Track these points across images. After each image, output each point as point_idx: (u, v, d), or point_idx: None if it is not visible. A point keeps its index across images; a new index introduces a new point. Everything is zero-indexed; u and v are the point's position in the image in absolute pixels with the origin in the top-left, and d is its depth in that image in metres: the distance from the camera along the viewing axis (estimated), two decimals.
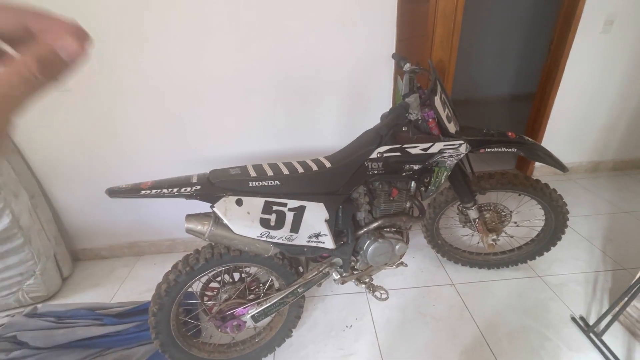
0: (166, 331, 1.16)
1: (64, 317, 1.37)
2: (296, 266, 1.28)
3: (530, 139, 1.33)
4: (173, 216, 1.94)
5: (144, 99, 1.60)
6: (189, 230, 1.01)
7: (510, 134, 1.30)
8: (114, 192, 0.95)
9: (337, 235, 1.19)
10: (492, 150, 1.27)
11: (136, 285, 1.83)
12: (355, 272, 1.34)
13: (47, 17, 0.21)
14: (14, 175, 1.62)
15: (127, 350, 1.31)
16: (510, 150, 1.29)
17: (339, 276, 1.29)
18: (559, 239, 1.57)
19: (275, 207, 1.04)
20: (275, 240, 1.07)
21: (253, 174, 1.05)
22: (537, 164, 2.61)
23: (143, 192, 0.96)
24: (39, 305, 1.57)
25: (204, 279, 1.22)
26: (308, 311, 1.58)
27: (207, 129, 1.71)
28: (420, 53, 2.30)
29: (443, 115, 1.17)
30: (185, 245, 2.06)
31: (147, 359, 1.31)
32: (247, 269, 1.30)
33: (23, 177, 1.68)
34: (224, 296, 1.22)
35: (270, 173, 1.06)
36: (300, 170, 1.08)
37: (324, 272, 1.24)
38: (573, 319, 1.45)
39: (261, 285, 1.31)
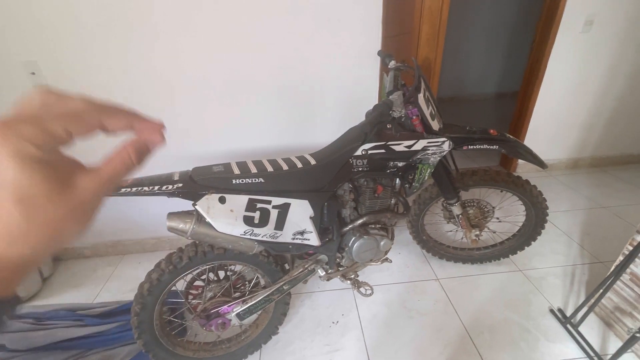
0: (150, 331, 1.14)
1: (43, 319, 1.33)
2: (281, 263, 1.28)
3: (511, 137, 1.35)
4: (158, 214, 1.91)
5: (125, 93, 1.56)
6: (171, 229, 0.99)
7: (492, 131, 1.33)
8: None
9: (322, 232, 1.19)
10: (475, 147, 1.30)
11: (120, 284, 1.79)
12: (340, 269, 1.35)
13: (145, 120, 0.28)
14: None
15: (110, 351, 1.29)
16: (492, 147, 1.31)
17: (324, 273, 1.30)
18: (539, 233, 1.61)
19: (259, 205, 1.03)
20: (259, 238, 1.06)
21: (237, 171, 1.04)
22: (520, 160, 2.67)
23: (123, 190, 0.94)
24: (21, 308, 1.53)
25: (188, 278, 1.21)
26: (295, 308, 1.58)
27: (191, 126, 1.68)
28: (406, 50, 2.31)
29: (427, 112, 1.18)
30: (171, 244, 2.03)
31: (131, 359, 1.29)
32: (232, 267, 1.29)
33: None
34: (209, 294, 1.21)
35: (254, 170, 1.05)
36: (285, 167, 1.08)
37: (309, 269, 1.25)
38: (551, 311, 1.50)
39: (247, 283, 1.30)
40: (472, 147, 1.29)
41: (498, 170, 1.48)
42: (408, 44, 2.28)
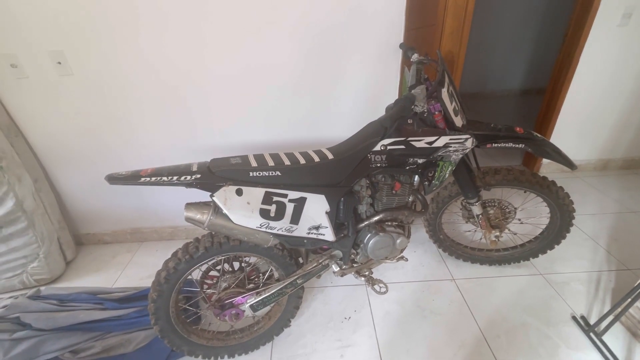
0: (165, 317, 1.17)
1: (66, 300, 1.39)
2: (296, 257, 1.28)
3: (538, 135, 1.29)
4: (175, 203, 1.95)
5: (150, 84, 1.58)
6: (188, 219, 1.00)
7: (518, 129, 1.27)
8: (113, 179, 0.95)
9: (337, 227, 1.18)
10: (499, 145, 1.24)
11: (138, 271, 1.85)
12: (355, 265, 1.34)
13: None
14: (17, 159, 1.62)
15: (128, 335, 1.33)
16: (517, 146, 1.26)
17: (338, 268, 1.29)
18: (564, 237, 1.54)
19: (275, 198, 1.02)
20: (275, 231, 1.06)
21: (254, 163, 1.04)
22: (545, 160, 2.56)
23: (142, 179, 0.95)
24: (42, 288, 1.59)
25: (204, 267, 1.22)
26: (307, 302, 1.59)
27: (212, 117, 1.69)
28: (429, 44, 2.24)
29: (450, 108, 1.14)
30: (187, 233, 2.07)
31: (147, 344, 1.33)
32: (247, 259, 1.30)
33: (27, 160, 1.69)
34: (224, 285, 1.22)
35: (271, 163, 1.04)
36: (302, 161, 1.07)
37: (323, 264, 1.24)
38: (574, 317, 1.44)
39: (261, 275, 1.31)
40: (496, 145, 1.24)
41: (522, 170, 1.42)
42: (431, 37, 2.20)
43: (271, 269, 1.29)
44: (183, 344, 1.24)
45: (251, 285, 1.26)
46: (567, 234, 1.53)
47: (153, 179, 0.95)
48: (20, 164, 1.64)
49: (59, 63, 1.50)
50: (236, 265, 1.29)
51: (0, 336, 1.28)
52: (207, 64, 1.56)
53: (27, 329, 1.31)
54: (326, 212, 1.10)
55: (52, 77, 1.54)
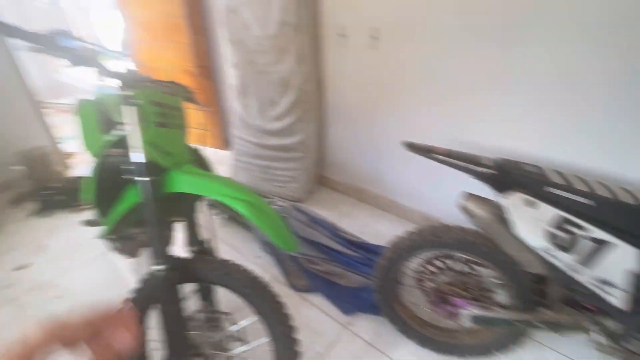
0: (385, 279, 1.26)
1: (314, 220, 1.79)
2: (541, 295, 1.08)
3: None
4: (407, 184, 2.01)
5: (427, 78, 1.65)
6: (464, 209, 1.00)
7: None
8: (410, 146, 1.05)
9: (636, 299, 0.89)
10: None
11: (350, 225, 2.00)
12: (626, 351, 1.00)
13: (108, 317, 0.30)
14: (315, 104, 2.13)
15: (347, 272, 1.57)
16: None
17: (601, 342, 1.00)
18: None
19: (571, 228, 0.86)
20: (554, 262, 0.90)
21: (555, 179, 0.90)
22: None
23: (436, 156, 1.00)
24: (302, 205, 2.09)
25: (436, 254, 1.23)
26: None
27: (490, 116, 1.59)
28: None
29: None
30: (398, 213, 2.14)
31: (356, 288, 1.52)
32: (478, 268, 1.21)
33: (318, 110, 2.19)
34: (445, 279, 1.20)
35: (581, 186, 0.87)
36: (625, 197, 0.83)
37: (584, 325, 0.99)
38: None
39: (484, 289, 1.20)
40: None
41: None
42: None
43: (498, 291, 1.15)
44: (387, 309, 1.33)
45: (469, 294, 1.18)
46: None
47: (447, 159, 0.99)
48: (317, 107, 2.13)
49: (376, 38, 1.77)
50: (461, 266, 1.23)
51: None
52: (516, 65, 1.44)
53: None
54: (630, 272, 0.84)
55: (361, 48, 1.85)
